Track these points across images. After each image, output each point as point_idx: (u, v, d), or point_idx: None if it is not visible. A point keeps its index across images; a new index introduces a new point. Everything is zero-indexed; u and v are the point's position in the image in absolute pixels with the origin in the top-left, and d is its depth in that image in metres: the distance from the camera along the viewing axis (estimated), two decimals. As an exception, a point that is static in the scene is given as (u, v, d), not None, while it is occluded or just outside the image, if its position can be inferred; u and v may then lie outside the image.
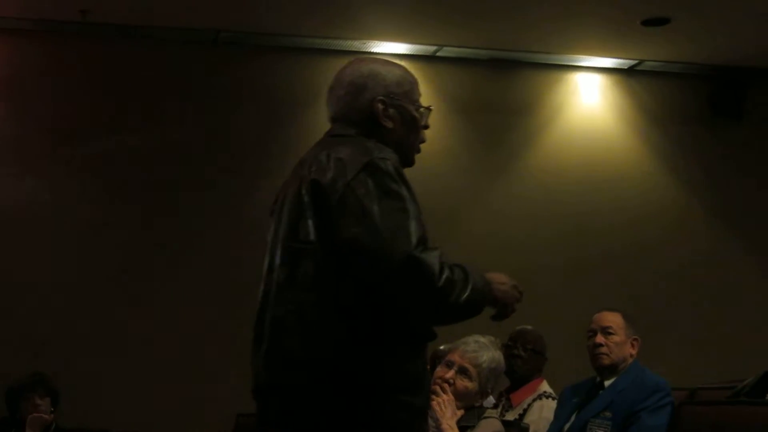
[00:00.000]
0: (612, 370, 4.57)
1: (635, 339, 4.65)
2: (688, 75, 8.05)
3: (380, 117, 2.77)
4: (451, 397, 4.16)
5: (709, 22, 7.19)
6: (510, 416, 5.06)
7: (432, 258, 2.50)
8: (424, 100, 2.89)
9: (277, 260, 2.68)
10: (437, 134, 7.27)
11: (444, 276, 2.51)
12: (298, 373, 2.57)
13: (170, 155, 7.19)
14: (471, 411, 4.05)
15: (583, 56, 7.82)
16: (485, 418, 4.04)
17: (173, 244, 7.12)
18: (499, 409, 5.14)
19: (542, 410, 5.10)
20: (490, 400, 4.29)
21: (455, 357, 4.20)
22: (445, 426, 4.09)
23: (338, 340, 2.54)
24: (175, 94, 7.25)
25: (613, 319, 4.63)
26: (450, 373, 4.14)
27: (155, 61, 7.29)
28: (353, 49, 7.45)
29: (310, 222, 2.59)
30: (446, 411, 4.15)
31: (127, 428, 6.01)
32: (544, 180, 7.76)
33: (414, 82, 2.87)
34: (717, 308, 7.75)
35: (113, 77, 7.21)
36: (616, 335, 4.59)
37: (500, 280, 2.71)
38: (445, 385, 4.15)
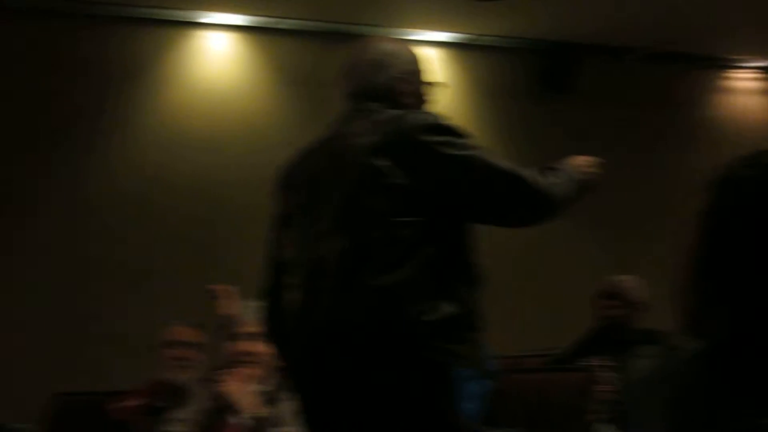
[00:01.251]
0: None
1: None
2: (521, 50, 8.21)
3: (400, 94, 2.93)
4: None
5: (542, -1, 7.36)
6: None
7: (528, 171, 2.84)
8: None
9: (325, 229, 2.78)
10: (271, 107, 7.26)
11: (543, 182, 2.86)
12: (370, 334, 2.71)
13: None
14: None
15: (418, 30, 7.92)
16: None
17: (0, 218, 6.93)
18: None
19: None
20: None
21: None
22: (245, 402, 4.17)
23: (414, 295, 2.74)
24: (1, 65, 7.04)
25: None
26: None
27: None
28: (188, 20, 7.33)
29: (377, 189, 2.71)
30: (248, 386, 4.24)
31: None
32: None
33: (422, 61, 3.07)
34: (541, 281, 7.96)
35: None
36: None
37: (579, 163, 3.11)
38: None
